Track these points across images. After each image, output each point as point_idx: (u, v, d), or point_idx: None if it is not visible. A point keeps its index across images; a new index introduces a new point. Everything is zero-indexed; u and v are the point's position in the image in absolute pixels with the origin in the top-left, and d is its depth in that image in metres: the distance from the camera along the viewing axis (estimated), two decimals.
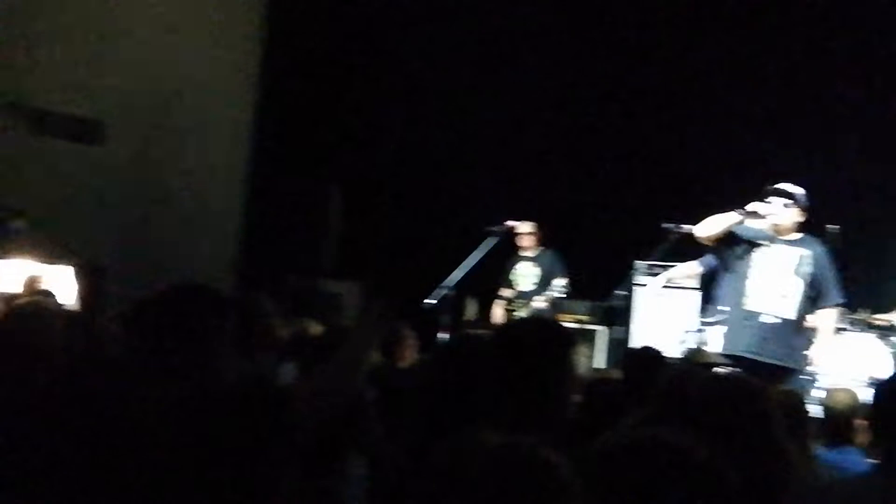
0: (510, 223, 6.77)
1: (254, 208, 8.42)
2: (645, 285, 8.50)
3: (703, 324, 7.05)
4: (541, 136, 9.01)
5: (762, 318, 4.69)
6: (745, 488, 1.32)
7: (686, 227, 6.12)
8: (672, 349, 7.85)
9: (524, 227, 7.31)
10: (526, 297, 7.21)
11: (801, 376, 4.72)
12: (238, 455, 1.79)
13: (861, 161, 8.12)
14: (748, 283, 4.76)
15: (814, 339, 4.95)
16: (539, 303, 7.10)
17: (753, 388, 1.96)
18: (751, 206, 4.68)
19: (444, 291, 6.37)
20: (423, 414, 2.18)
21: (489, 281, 7.10)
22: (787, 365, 4.63)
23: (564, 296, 7.14)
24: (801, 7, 8.46)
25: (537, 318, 5.83)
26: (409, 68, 8.41)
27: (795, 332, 4.73)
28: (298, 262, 7.77)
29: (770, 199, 4.75)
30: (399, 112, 8.49)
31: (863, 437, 3.34)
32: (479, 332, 8.04)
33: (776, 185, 4.82)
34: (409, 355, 4.42)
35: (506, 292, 7.42)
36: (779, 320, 4.68)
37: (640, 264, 7.61)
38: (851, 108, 8.22)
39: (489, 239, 6.64)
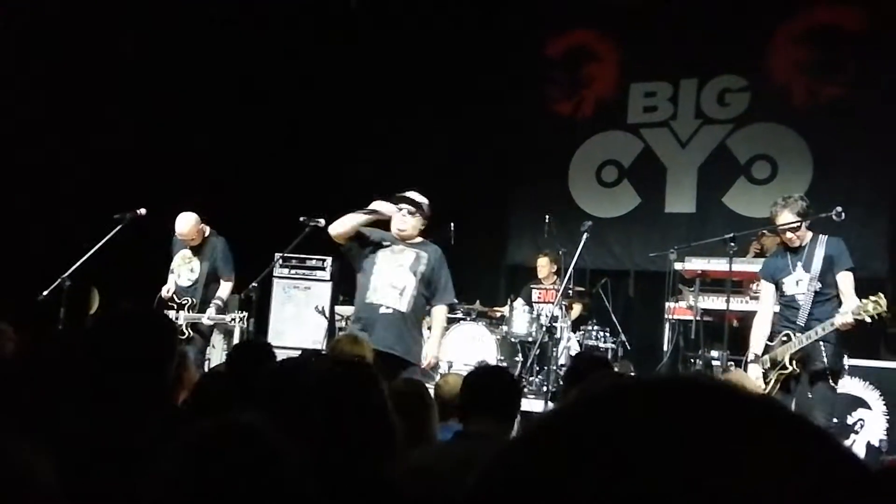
0: (140, 210, 6.36)
1: None
2: (282, 277, 8.61)
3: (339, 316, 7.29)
4: (181, 125, 8.66)
5: (381, 311, 4.96)
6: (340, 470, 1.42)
7: (321, 221, 6.32)
8: (303, 339, 8.07)
9: (187, 223, 6.37)
10: (186, 293, 6.43)
11: (413, 366, 4.99)
12: None
13: (481, 172, 8.98)
14: (372, 278, 5.05)
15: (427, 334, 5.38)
16: (215, 313, 6.33)
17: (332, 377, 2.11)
18: (374, 205, 5.00)
19: (63, 282, 5.87)
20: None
21: (116, 270, 6.62)
22: (398, 354, 4.90)
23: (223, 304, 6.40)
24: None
25: (135, 311, 5.48)
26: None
27: (409, 325, 5.04)
28: None
29: (399, 205, 5.08)
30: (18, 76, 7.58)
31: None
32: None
33: (405, 194, 5.16)
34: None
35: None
36: (390, 311, 4.97)
37: (277, 256, 7.66)
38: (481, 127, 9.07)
39: (118, 227, 6.22)
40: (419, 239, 5.20)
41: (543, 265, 8.01)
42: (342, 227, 4.98)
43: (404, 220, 5.05)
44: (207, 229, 6.62)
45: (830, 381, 4.78)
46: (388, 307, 4.96)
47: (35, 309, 5.75)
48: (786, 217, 4.86)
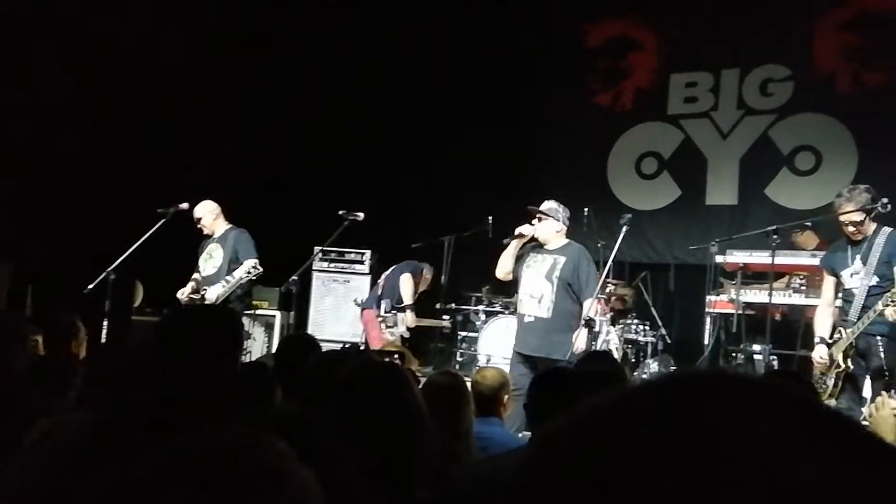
0: (182, 205, 6.47)
1: None
2: (321, 270, 8.69)
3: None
4: (223, 123, 8.77)
5: (525, 320, 5.51)
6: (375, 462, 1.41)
7: (360, 215, 6.37)
8: (342, 332, 8.15)
9: (202, 207, 6.59)
10: (208, 281, 6.45)
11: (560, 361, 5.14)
12: None
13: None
14: (519, 291, 5.62)
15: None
16: (218, 289, 6.29)
17: (383, 371, 2.09)
18: (517, 231, 5.56)
19: (108, 276, 5.99)
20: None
21: (159, 264, 6.74)
22: (543, 356, 5.26)
23: (252, 278, 6.41)
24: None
25: (203, 305, 5.70)
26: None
27: (552, 329, 5.37)
28: None
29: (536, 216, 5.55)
30: (57, 73, 7.71)
31: (506, 410, 3.71)
32: (146, 318, 7.63)
33: (532, 206, 5.56)
34: (82, 350, 4.04)
35: (195, 276, 6.65)
36: (533, 318, 5.46)
37: (317, 250, 7.73)
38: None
39: (160, 221, 6.34)
40: (562, 242, 5.59)
41: (625, 297, 7.82)
42: (504, 266, 5.64)
43: (535, 229, 5.54)
44: (226, 224, 6.63)
45: (887, 379, 4.52)
46: (530, 316, 5.48)
47: (82, 302, 5.88)
48: (849, 209, 4.66)
